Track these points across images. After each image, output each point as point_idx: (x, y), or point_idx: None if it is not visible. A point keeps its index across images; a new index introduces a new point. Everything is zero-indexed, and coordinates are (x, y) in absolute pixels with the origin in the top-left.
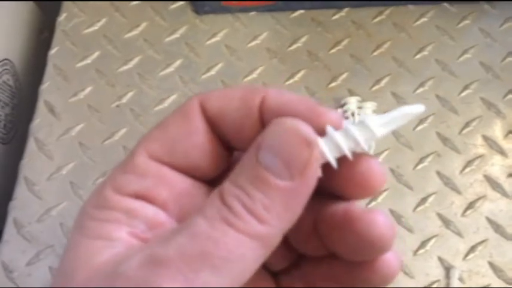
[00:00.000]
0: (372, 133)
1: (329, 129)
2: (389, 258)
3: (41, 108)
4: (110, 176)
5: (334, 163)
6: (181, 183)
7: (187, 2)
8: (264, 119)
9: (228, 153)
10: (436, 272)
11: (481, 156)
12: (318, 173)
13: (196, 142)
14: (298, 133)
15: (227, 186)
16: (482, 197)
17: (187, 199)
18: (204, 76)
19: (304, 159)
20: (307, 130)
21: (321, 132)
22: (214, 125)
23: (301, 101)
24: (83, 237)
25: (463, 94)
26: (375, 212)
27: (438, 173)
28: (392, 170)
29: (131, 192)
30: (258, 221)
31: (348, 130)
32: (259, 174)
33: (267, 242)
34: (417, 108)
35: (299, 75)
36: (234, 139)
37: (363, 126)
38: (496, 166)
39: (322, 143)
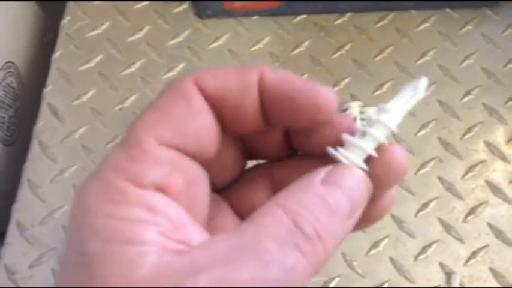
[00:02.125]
0: (388, 128)
1: (348, 138)
2: None
3: (44, 111)
4: (113, 166)
5: (364, 167)
6: (191, 169)
7: (190, 6)
8: (263, 97)
9: (222, 134)
10: (437, 278)
11: (482, 161)
12: None
13: (203, 122)
14: (368, 184)
15: (297, 208)
16: (483, 203)
17: (195, 187)
18: None
19: (363, 205)
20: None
21: (319, 110)
22: (212, 104)
23: (298, 79)
24: (109, 244)
25: (465, 99)
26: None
27: (440, 179)
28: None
29: (149, 184)
30: (324, 250)
31: (367, 133)
32: (327, 203)
33: (317, 270)
34: (422, 83)
35: None
36: (231, 119)
37: (379, 125)
38: (497, 172)
39: (349, 152)
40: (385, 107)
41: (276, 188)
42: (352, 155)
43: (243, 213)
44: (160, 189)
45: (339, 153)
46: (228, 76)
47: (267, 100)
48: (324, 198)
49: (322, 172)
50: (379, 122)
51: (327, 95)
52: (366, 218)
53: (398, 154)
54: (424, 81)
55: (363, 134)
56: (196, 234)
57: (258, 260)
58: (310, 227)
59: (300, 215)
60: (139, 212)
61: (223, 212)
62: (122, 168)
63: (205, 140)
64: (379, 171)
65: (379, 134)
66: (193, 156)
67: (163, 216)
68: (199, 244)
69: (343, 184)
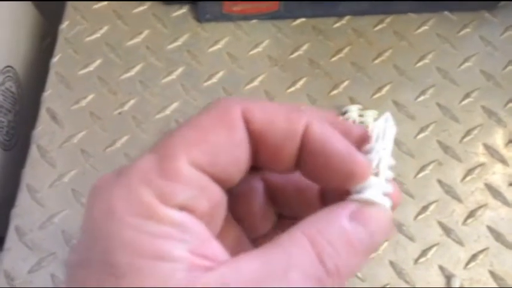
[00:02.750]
0: (391, 162)
1: (372, 179)
2: None
3: (43, 115)
4: (143, 178)
5: (389, 203)
6: (216, 193)
7: (189, 10)
8: (303, 147)
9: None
10: (437, 281)
11: (482, 164)
12: None
13: (239, 156)
14: (391, 223)
15: (322, 242)
16: (483, 206)
17: (216, 209)
18: (205, 84)
19: (382, 243)
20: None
21: (350, 175)
22: (253, 139)
23: (340, 141)
24: (140, 258)
25: (464, 102)
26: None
27: (439, 181)
28: (393, 179)
29: (178, 204)
30: (340, 284)
31: (383, 173)
32: (350, 241)
33: None
34: (387, 118)
35: (300, 83)
36: (267, 156)
37: (386, 162)
38: (497, 175)
39: (373, 192)
40: (377, 145)
41: (272, 193)
42: (378, 195)
43: (241, 218)
44: (187, 209)
45: (366, 195)
46: (276, 115)
47: (306, 151)
48: (349, 235)
49: (353, 206)
50: (384, 159)
51: (361, 165)
52: None
53: (395, 191)
54: (388, 115)
55: (375, 174)
56: (219, 251)
57: (284, 286)
58: (332, 263)
59: (324, 249)
60: (168, 229)
61: (227, 221)
62: (152, 183)
63: (235, 172)
64: None
65: (388, 172)
66: (219, 182)
67: (191, 233)
68: (226, 262)
69: (370, 224)
